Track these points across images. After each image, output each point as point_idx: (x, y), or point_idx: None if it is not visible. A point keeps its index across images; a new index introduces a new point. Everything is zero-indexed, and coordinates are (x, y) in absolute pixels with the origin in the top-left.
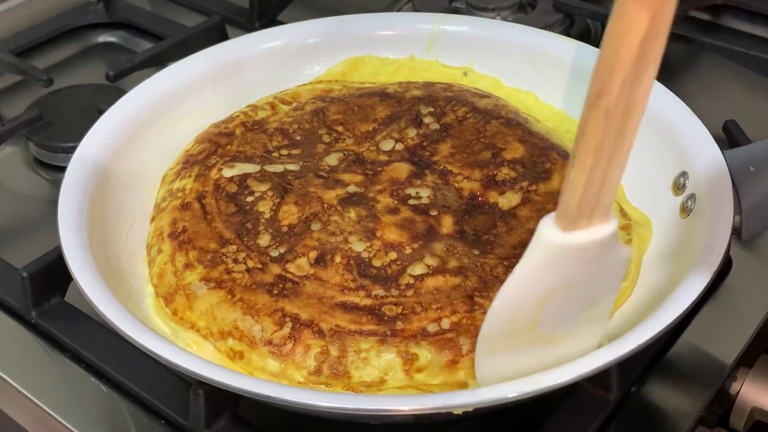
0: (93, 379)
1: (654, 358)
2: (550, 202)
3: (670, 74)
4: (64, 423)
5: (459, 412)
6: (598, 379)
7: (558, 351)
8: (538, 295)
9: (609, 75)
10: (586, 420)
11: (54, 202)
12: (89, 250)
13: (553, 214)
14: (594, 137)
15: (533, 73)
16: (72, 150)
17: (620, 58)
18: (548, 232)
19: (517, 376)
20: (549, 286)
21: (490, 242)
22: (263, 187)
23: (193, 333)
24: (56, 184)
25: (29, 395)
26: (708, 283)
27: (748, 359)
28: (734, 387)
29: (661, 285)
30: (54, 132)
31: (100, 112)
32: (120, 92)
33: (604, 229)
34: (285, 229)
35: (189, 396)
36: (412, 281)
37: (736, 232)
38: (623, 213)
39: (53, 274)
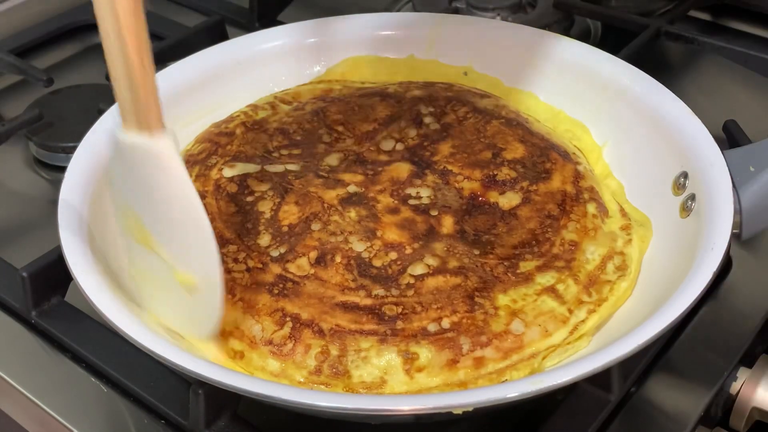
0: (93, 379)
1: (654, 358)
2: (550, 202)
3: (670, 74)
4: (64, 423)
5: (459, 412)
6: (598, 379)
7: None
8: (123, 188)
9: None
10: (586, 420)
11: (54, 202)
12: (89, 250)
13: None
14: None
15: (533, 73)
16: (72, 150)
17: None
18: (110, 120)
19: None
20: (126, 183)
21: (491, 242)
22: (263, 187)
23: None
24: (56, 184)
25: (29, 395)
26: (708, 283)
27: (748, 359)
28: (734, 387)
29: (661, 285)
30: (54, 132)
31: (100, 112)
32: None
33: (145, 140)
34: (285, 229)
35: (189, 396)
36: (412, 281)
37: (736, 232)
38: (623, 213)
39: (53, 274)
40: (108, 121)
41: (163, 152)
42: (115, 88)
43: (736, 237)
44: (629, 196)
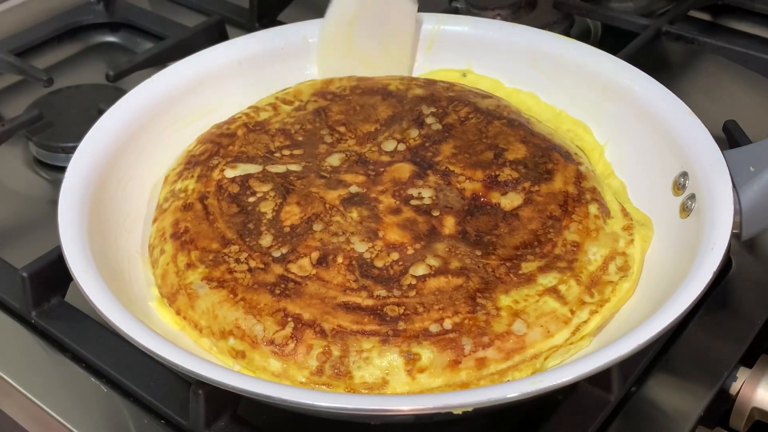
0: (93, 379)
1: (654, 358)
2: (552, 203)
3: (670, 74)
4: (64, 423)
5: (459, 412)
6: (598, 379)
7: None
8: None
9: None
10: (586, 420)
11: (54, 202)
12: (89, 251)
13: None
14: None
15: (534, 74)
16: (72, 150)
17: None
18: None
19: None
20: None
21: (492, 243)
22: (265, 188)
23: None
24: (56, 184)
25: (29, 395)
26: (708, 283)
27: (748, 359)
28: (734, 387)
29: (661, 285)
30: (54, 132)
31: (100, 112)
32: (120, 92)
33: None
34: (287, 229)
35: (189, 396)
36: (414, 282)
37: (736, 232)
38: (625, 213)
39: (53, 274)
40: (108, 121)
41: None
42: None
43: (736, 237)
44: (630, 196)
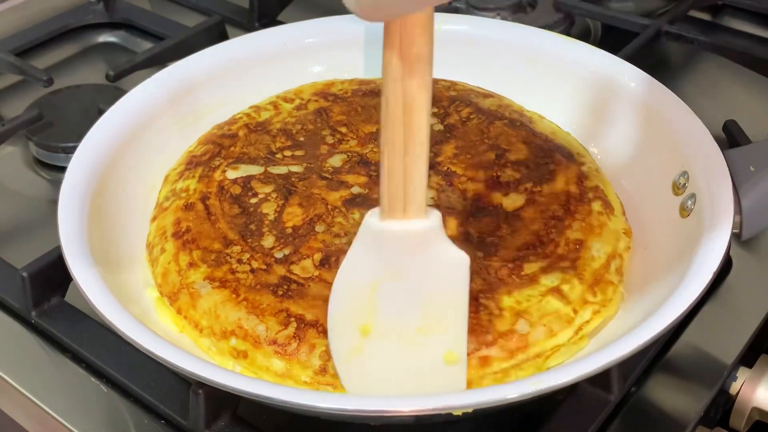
0: (93, 379)
1: (654, 358)
2: (554, 203)
3: (670, 74)
4: (64, 423)
5: (459, 412)
6: (598, 379)
7: (422, 356)
8: (368, 280)
9: (383, 73)
10: (586, 420)
11: (54, 202)
12: (89, 251)
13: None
14: (383, 128)
15: (533, 74)
16: (72, 150)
17: (384, 59)
18: (369, 220)
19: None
20: (375, 272)
21: (495, 244)
22: (267, 189)
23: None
24: (56, 184)
25: (29, 395)
26: (708, 283)
27: (748, 359)
28: (734, 387)
29: (661, 285)
30: (54, 132)
31: (100, 112)
32: (120, 92)
33: (419, 223)
34: (289, 230)
35: (189, 396)
36: None
37: (736, 232)
38: (626, 214)
39: (53, 274)
40: (108, 121)
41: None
42: (382, 175)
43: (736, 237)
44: None
